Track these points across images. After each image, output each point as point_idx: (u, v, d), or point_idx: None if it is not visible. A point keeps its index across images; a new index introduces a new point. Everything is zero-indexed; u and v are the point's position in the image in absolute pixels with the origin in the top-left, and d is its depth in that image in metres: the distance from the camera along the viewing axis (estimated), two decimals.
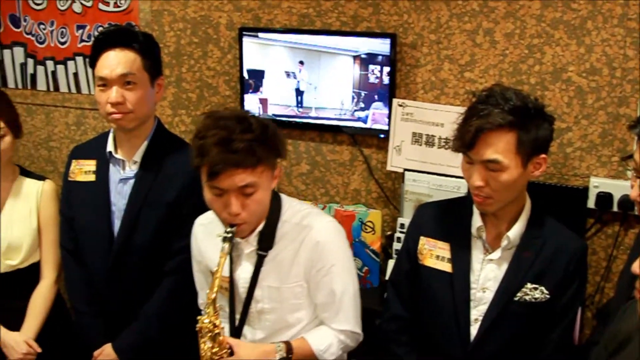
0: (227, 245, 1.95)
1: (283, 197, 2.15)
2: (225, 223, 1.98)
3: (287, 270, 2.07)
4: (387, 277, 2.64)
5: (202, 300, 2.26)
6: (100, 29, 3.18)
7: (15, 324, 2.59)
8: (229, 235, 1.95)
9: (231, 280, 2.11)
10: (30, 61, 3.44)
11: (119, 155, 2.42)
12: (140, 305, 2.42)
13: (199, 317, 1.99)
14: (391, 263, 2.67)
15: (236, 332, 2.14)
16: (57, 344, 2.66)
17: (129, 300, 2.43)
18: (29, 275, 2.65)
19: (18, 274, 2.63)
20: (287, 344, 2.04)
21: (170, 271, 2.40)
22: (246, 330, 2.14)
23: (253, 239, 2.07)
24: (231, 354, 2.00)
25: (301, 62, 2.92)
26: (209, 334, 1.98)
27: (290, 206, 2.12)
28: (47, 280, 2.65)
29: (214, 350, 1.99)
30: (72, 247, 2.52)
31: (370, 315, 2.15)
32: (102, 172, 2.43)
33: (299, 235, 2.06)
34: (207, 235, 2.17)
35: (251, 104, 3.02)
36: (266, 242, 2.06)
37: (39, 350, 2.56)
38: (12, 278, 2.62)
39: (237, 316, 2.13)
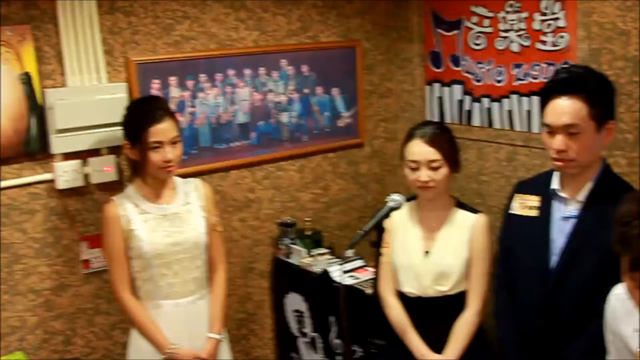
0: None
1: None
2: None
3: None
4: None
5: None
6: (552, 70, 3.16)
7: (437, 347, 2.71)
8: None
9: None
10: (467, 98, 3.60)
11: (563, 194, 2.41)
12: (567, 343, 2.36)
13: None
14: None
15: None
16: None
17: (555, 337, 2.39)
18: (455, 302, 2.75)
19: (445, 300, 2.75)
20: None
21: (600, 314, 2.27)
22: None
23: None
24: None
25: None
26: None
27: None
28: (473, 310, 2.73)
29: None
30: (507, 277, 2.57)
31: None
32: (545, 209, 2.44)
33: None
34: (624, 309, 2.03)
35: None
36: None
37: None
38: (440, 303, 2.75)
39: None
